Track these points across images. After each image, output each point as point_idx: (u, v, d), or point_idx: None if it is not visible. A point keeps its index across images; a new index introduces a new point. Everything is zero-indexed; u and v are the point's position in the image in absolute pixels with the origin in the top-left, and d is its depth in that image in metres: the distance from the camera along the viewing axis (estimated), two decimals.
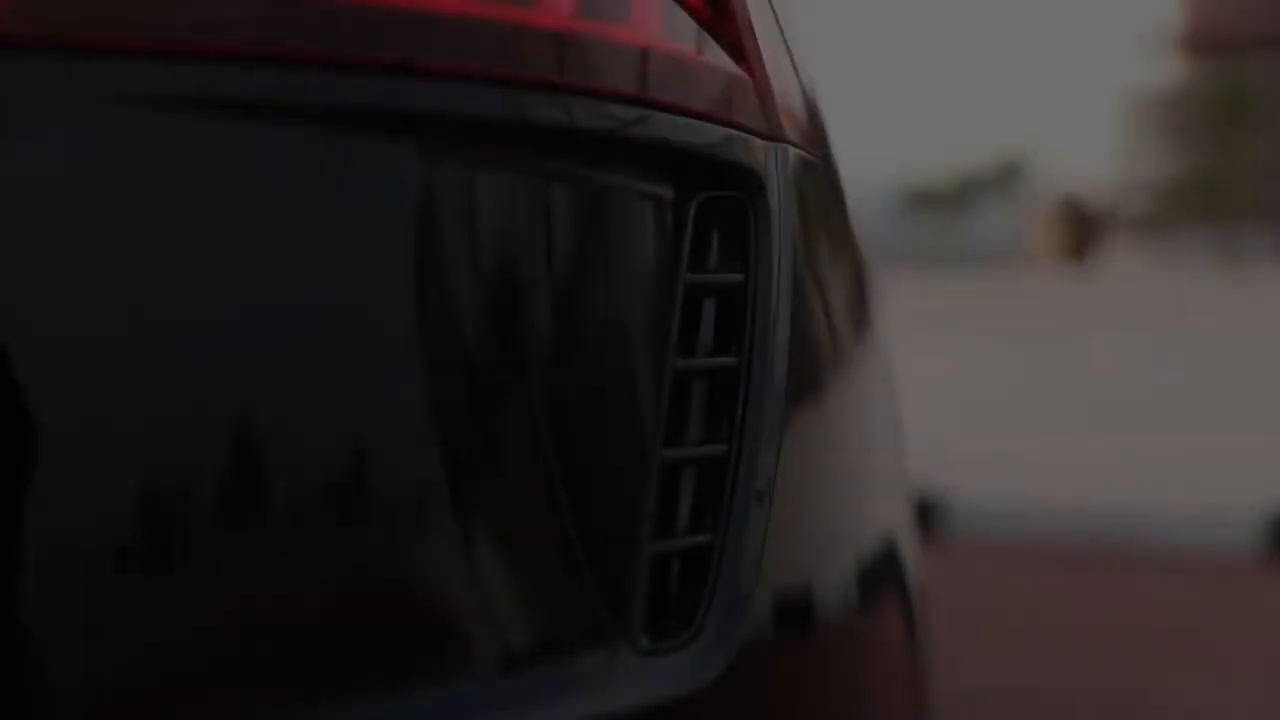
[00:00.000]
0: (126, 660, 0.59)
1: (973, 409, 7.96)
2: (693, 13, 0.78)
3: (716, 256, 0.79)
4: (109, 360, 0.58)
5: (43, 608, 0.58)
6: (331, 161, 0.64)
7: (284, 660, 0.62)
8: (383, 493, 0.65)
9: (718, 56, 0.79)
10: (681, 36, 0.77)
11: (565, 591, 0.71)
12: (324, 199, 0.63)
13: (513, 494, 0.69)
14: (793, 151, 0.84)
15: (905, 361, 10.25)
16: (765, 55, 0.83)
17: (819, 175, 0.90)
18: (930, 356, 11.61)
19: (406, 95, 0.66)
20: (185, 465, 0.60)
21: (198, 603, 0.60)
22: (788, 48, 0.89)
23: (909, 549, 0.98)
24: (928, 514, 5.03)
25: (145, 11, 0.59)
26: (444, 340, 0.67)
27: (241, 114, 0.61)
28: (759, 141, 0.81)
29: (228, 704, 0.61)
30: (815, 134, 0.91)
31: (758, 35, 0.82)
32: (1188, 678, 3.36)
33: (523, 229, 0.70)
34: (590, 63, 0.72)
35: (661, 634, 0.74)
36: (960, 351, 12.45)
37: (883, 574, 0.92)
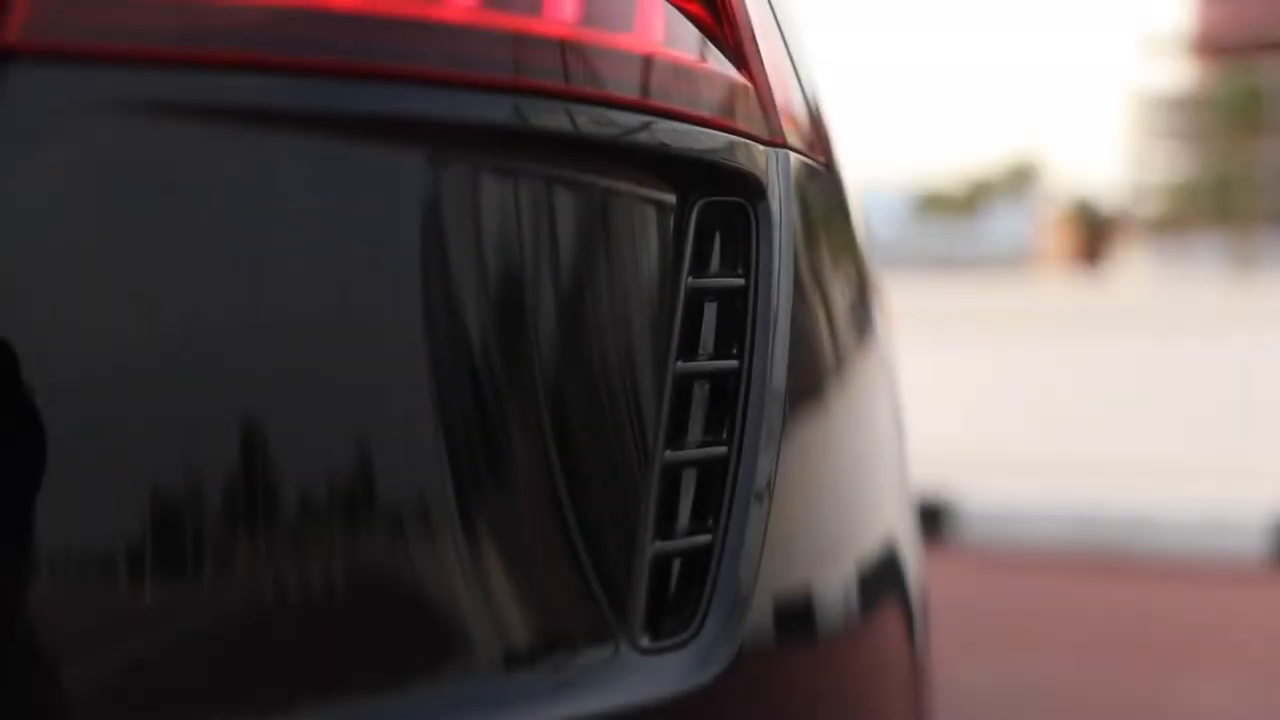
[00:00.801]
0: (138, 658, 0.60)
1: (984, 412, 7.96)
2: (695, 20, 0.79)
3: (718, 260, 0.80)
4: (116, 365, 0.60)
5: (48, 609, 0.59)
6: (338, 168, 0.65)
7: (291, 657, 0.63)
8: (390, 494, 0.66)
9: (720, 63, 0.80)
10: (684, 44, 0.78)
11: (567, 591, 0.72)
12: (331, 205, 0.65)
13: (517, 494, 0.70)
14: (795, 157, 0.85)
15: (916, 364, 10.25)
16: (767, 61, 0.84)
17: (822, 180, 0.91)
18: (941, 360, 11.61)
19: (412, 102, 0.67)
20: (199, 467, 0.61)
21: (205, 601, 0.61)
22: (791, 54, 0.90)
23: (910, 553, 0.99)
24: (937, 518, 5.03)
25: (155, 22, 0.60)
26: (450, 343, 0.68)
27: (250, 121, 0.62)
28: (760, 147, 0.81)
29: (235, 700, 0.62)
30: (819, 139, 0.92)
31: (760, 42, 0.83)
32: (1199, 683, 3.36)
33: (527, 234, 0.71)
34: (593, 70, 0.73)
35: (662, 633, 0.75)
36: (971, 355, 12.44)
37: (882, 576, 0.93)
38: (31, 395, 0.58)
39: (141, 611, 0.60)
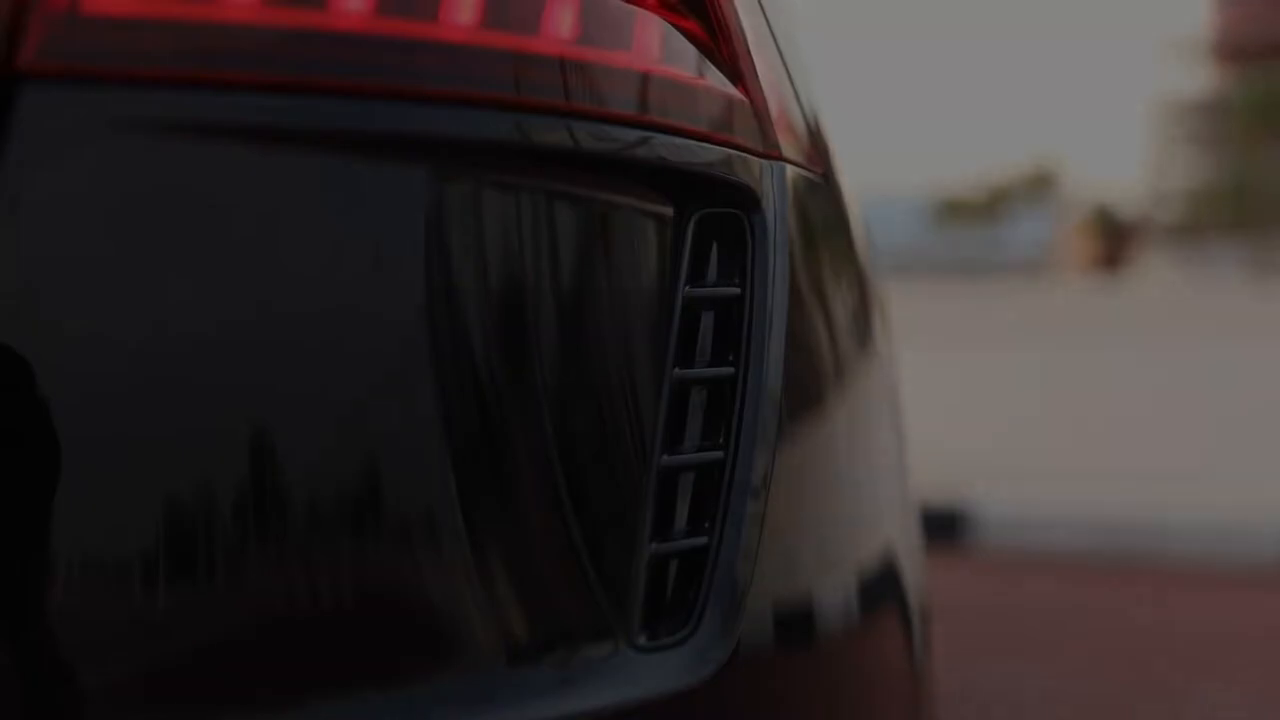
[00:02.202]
0: (148, 658, 0.62)
1: (1002, 418, 7.94)
2: (691, 37, 0.81)
3: (715, 270, 0.82)
4: (128, 376, 0.62)
5: (58, 610, 0.61)
6: (342, 184, 0.67)
7: (298, 654, 0.66)
8: (398, 497, 0.69)
9: (716, 79, 0.82)
10: (680, 61, 0.80)
11: (568, 590, 0.74)
12: (335, 220, 0.67)
13: (519, 497, 0.73)
14: (791, 168, 0.87)
15: (934, 371, 10.23)
16: (763, 76, 0.86)
17: (819, 191, 0.93)
18: (959, 366, 11.58)
19: (415, 120, 0.69)
20: (211, 471, 0.63)
21: (212, 600, 0.63)
22: (787, 67, 0.92)
23: (909, 558, 1.01)
24: (956, 524, 5.03)
25: (164, 44, 0.62)
26: (456, 353, 0.70)
27: (257, 140, 0.65)
28: (756, 160, 0.83)
29: (241, 697, 0.64)
30: (816, 151, 0.94)
31: (755, 57, 0.85)
32: (1216, 690, 3.36)
33: (528, 246, 0.74)
34: (592, 87, 0.75)
35: (659, 632, 0.77)
36: (989, 360, 12.41)
37: (879, 581, 0.95)
38: (47, 405, 0.60)
39: (151, 612, 0.62)
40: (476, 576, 0.71)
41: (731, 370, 0.81)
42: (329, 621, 0.66)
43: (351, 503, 0.67)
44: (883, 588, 0.95)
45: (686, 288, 0.80)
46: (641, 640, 0.76)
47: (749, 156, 0.83)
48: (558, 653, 0.74)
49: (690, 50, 0.81)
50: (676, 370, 0.79)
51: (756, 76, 0.85)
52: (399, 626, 0.68)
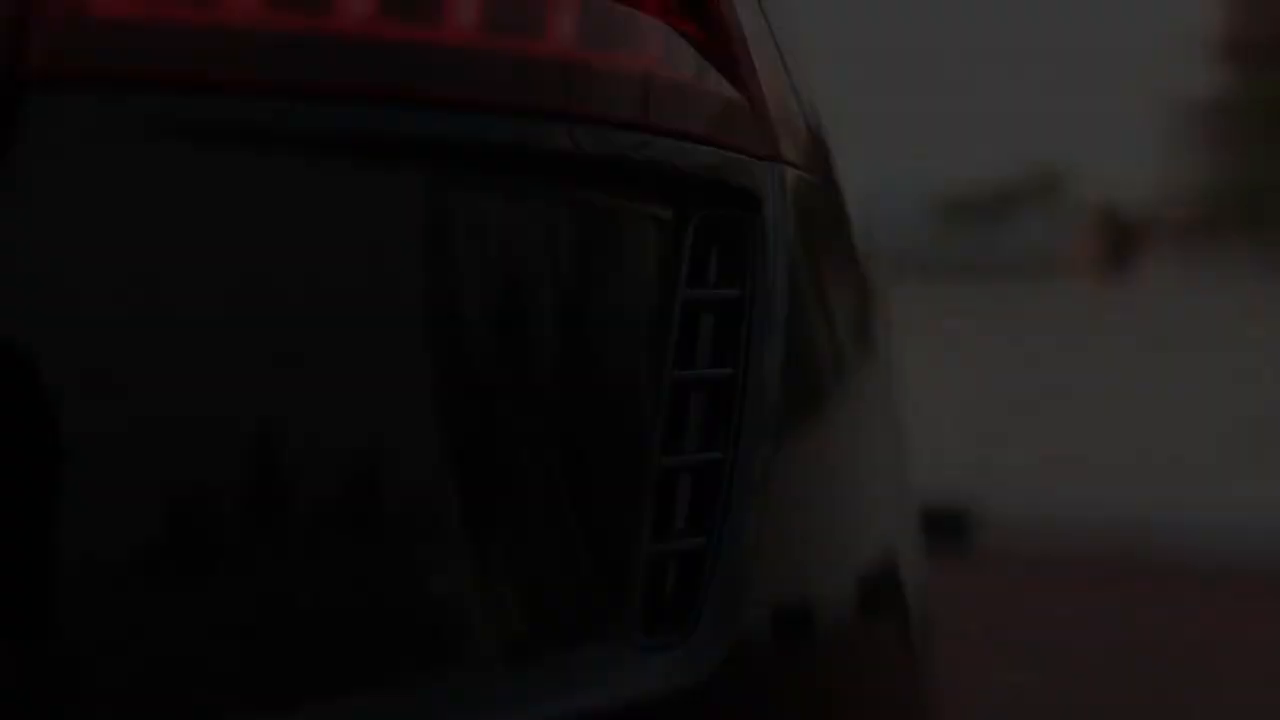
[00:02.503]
0: (147, 658, 0.63)
1: (1010, 420, 7.94)
2: (691, 39, 0.82)
3: (714, 272, 0.82)
4: (132, 378, 0.62)
5: (56, 611, 0.61)
6: (346, 186, 0.68)
7: (295, 655, 0.66)
8: (401, 500, 0.69)
9: (716, 81, 0.83)
10: (680, 63, 0.81)
11: (567, 590, 0.75)
12: (339, 222, 0.67)
13: (520, 499, 0.73)
14: (790, 171, 0.87)
15: (942, 372, 10.23)
16: (763, 78, 0.86)
17: (819, 194, 0.93)
18: (967, 367, 11.58)
19: (418, 123, 0.69)
20: (213, 470, 0.64)
21: (210, 601, 0.64)
22: (787, 70, 0.93)
23: (910, 561, 1.01)
24: (963, 525, 5.03)
25: (167, 47, 0.63)
26: (456, 355, 0.71)
27: (262, 142, 0.65)
28: (756, 162, 0.84)
29: (240, 699, 0.65)
30: (815, 154, 0.95)
31: (755, 59, 0.86)
32: (1230, 694, 3.35)
33: (528, 248, 0.74)
34: (591, 90, 0.75)
35: (658, 631, 0.78)
36: (997, 361, 12.41)
37: (878, 583, 0.95)
38: (50, 405, 0.61)
39: (150, 612, 0.63)
40: (476, 576, 0.71)
41: (731, 372, 0.82)
42: (329, 621, 0.67)
43: (351, 504, 0.68)
44: (883, 588, 0.96)
45: (686, 290, 0.80)
46: (641, 640, 0.77)
47: (749, 159, 0.84)
48: (558, 653, 0.74)
49: (690, 52, 0.82)
50: (676, 372, 0.80)
51: (756, 78, 0.86)
52: (399, 626, 0.69)
